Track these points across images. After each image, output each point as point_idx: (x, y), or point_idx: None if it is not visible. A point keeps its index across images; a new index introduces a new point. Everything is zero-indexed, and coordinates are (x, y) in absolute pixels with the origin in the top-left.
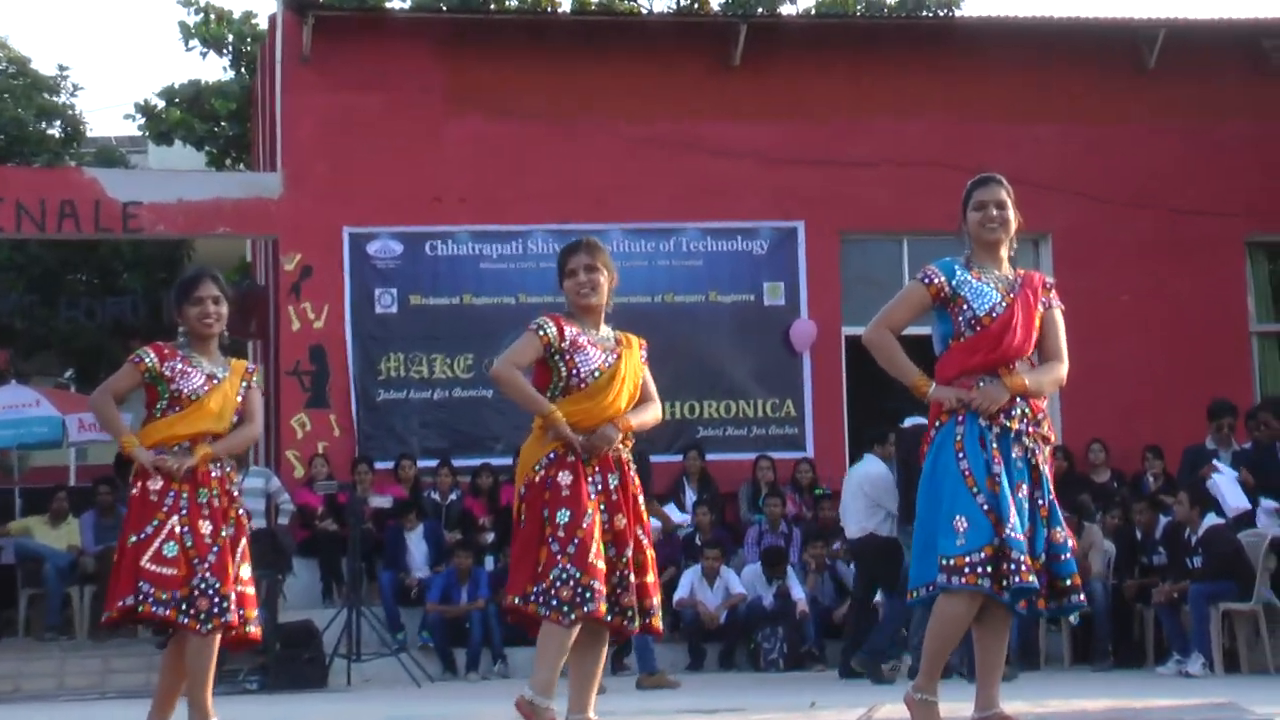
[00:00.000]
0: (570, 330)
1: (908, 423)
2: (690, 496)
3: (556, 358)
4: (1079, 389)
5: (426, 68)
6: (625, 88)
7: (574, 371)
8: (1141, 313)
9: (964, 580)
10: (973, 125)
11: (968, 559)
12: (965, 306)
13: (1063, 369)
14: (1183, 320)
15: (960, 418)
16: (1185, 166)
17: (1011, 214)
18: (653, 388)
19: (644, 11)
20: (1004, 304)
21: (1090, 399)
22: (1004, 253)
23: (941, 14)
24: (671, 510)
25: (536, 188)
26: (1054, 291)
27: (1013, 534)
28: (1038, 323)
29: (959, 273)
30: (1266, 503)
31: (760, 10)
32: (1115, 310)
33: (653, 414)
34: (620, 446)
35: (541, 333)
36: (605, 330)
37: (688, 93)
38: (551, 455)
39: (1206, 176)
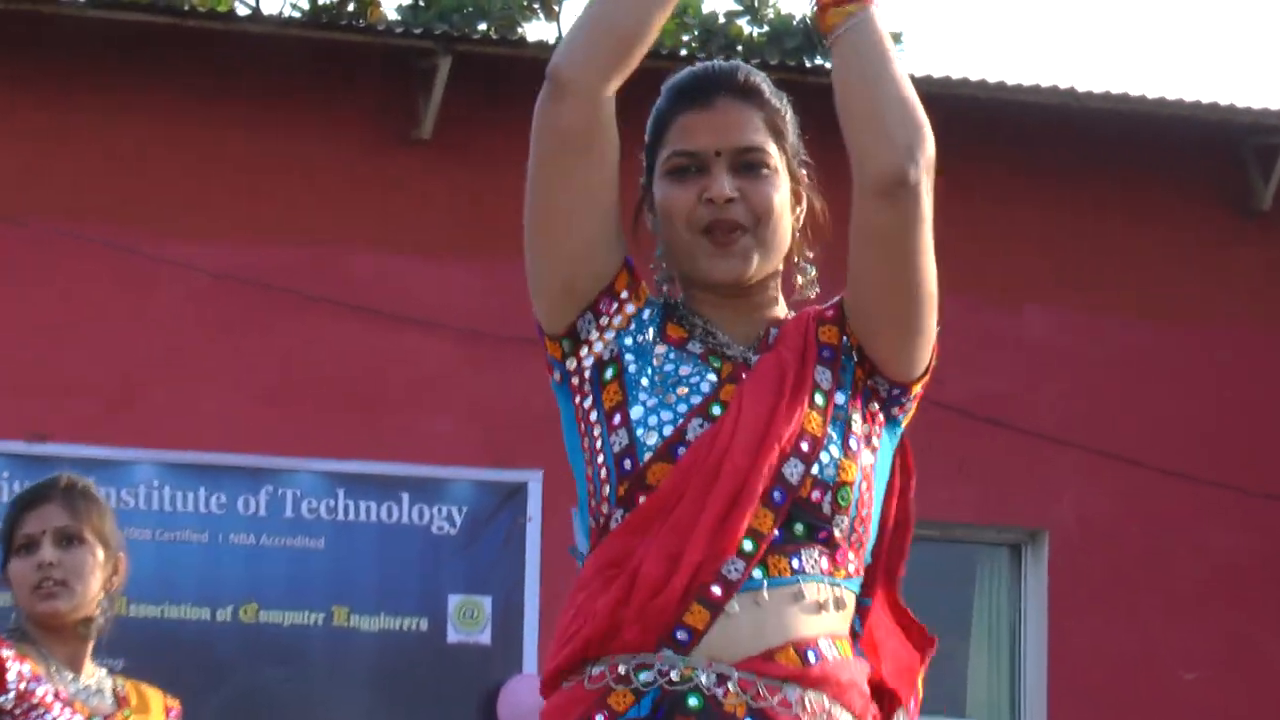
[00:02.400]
0: (19, 671)
1: None
2: None
3: None
4: None
5: None
6: (181, 160)
7: None
8: (1220, 701)
9: None
10: None
11: None
12: (635, 385)
13: None
14: None
15: None
16: None
17: (781, 177)
18: None
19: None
20: (709, 377)
21: None
22: (754, 283)
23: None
24: None
25: None
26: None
27: None
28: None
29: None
30: None
31: (492, 32)
32: (1174, 691)
33: None
34: None
35: None
36: (95, 672)
37: (319, 183)
38: None
39: None
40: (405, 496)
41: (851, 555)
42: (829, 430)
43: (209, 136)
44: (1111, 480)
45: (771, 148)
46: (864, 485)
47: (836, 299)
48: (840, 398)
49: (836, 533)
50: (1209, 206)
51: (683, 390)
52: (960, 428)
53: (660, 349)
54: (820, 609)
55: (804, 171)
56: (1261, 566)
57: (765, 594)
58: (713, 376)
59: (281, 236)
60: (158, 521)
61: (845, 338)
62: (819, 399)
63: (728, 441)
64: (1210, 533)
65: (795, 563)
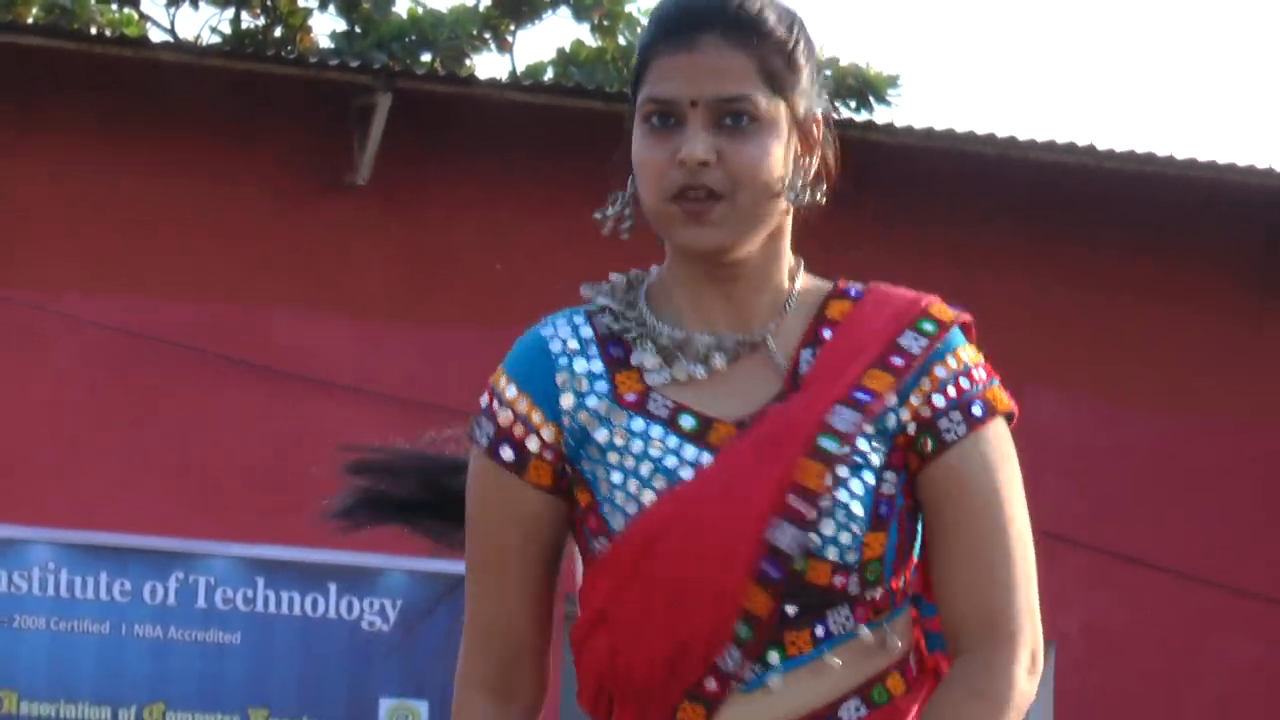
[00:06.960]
0: None
1: None
2: None
3: None
4: None
5: None
6: (75, 203)
7: None
8: None
9: None
10: None
11: None
12: (596, 476)
13: (1018, 674)
14: None
15: None
16: None
17: (774, 130)
18: None
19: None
20: (702, 456)
21: None
22: (743, 253)
23: (860, 115)
24: None
25: None
26: (971, 373)
27: None
28: (855, 510)
29: (576, 366)
30: None
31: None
32: None
33: None
34: None
35: None
36: None
37: (238, 232)
38: None
39: None
40: (332, 587)
41: (893, 589)
42: (836, 489)
43: (110, 177)
44: (1122, 586)
45: (762, 96)
46: (898, 545)
47: (954, 320)
48: (864, 444)
49: (873, 598)
50: (1239, 284)
51: (650, 471)
52: None
53: (619, 416)
54: (858, 662)
55: (819, 113)
56: None
57: (779, 681)
58: (691, 450)
59: (191, 292)
60: (53, 608)
61: (901, 424)
62: (827, 444)
63: (697, 496)
64: (1231, 644)
65: (819, 630)
